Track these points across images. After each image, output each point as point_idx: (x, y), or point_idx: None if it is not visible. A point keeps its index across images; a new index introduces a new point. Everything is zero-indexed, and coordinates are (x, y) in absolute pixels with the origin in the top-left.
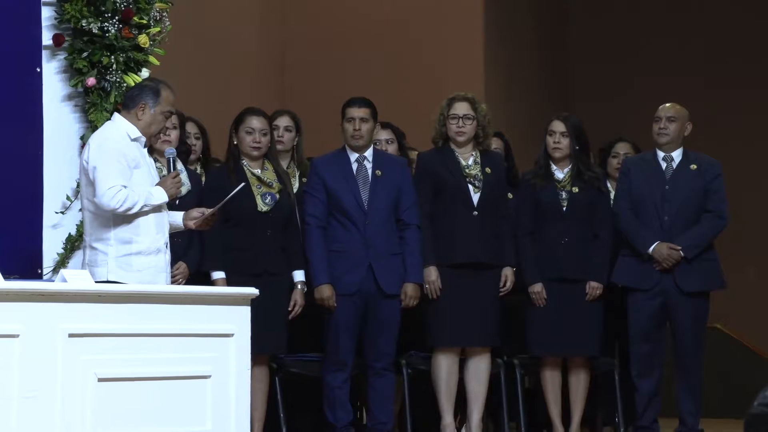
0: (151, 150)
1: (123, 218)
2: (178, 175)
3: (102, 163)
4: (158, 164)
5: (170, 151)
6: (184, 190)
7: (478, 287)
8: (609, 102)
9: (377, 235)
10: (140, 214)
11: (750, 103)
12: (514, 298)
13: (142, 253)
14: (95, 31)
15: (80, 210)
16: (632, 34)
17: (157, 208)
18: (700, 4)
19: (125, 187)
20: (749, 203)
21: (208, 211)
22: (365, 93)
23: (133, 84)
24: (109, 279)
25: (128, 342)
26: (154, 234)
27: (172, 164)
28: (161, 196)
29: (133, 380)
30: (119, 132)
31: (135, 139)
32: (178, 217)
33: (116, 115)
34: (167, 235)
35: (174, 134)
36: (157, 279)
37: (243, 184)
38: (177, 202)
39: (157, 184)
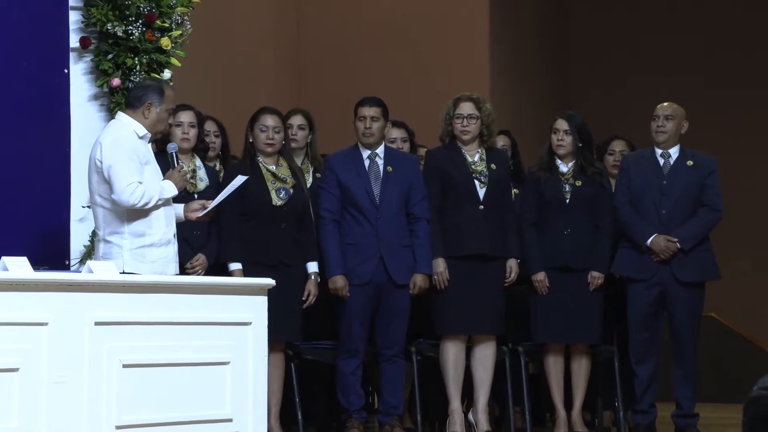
0: (164, 146)
1: (136, 212)
2: (182, 168)
3: (117, 162)
4: (180, 161)
5: (172, 146)
6: (202, 185)
7: (484, 278)
8: (609, 100)
9: (388, 228)
10: (153, 207)
11: (746, 100)
12: (519, 288)
13: (154, 245)
14: (120, 34)
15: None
16: (632, 35)
17: (166, 202)
18: (699, 4)
19: (141, 183)
20: (745, 197)
21: (209, 203)
22: (376, 93)
23: None
24: (125, 270)
25: (151, 330)
26: (164, 226)
27: (175, 159)
28: (172, 190)
29: (156, 366)
30: (127, 130)
31: (141, 137)
32: (179, 209)
33: (121, 114)
34: (175, 227)
35: (192, 132)
36: (167, 269)
37: (245, 177)
38: (196, 196)
39: (164, 178)
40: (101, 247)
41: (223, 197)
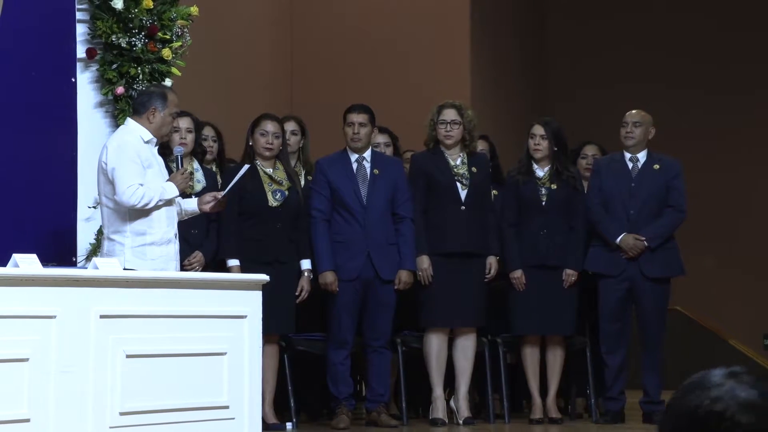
0: (168, 150)
1: (138, 212)
2: (186, 171)
3: (120, 164)
4: (185, 164)
5: (178, 149)
6: (199, 186)
7: (466, 274)
8: (585, 105)
9: (375, 227)
10: (154, 207)
11: (710, 103)
12: (498, 284)
13: (155, 244)
14: (124, 45)
15: (98, 205)
16: (607, 43)
17: (168, 202)
18: (672, 14)
19: (142, 185)
20: (708, 197)
21: (220, 194)
22: (363, 100)
23: None
24: (126, 267)
25: (153, 323)
26: (165, 226)
27: (180, 161)
28: (173, 191)
29: (158, 357)
30: (133, 135)
31: (147, 142)
32: (193, 204)
33: (129, 119)
34: (176, 227)
35: (189, 137)
36: (167, 267)
37: (248, 165)
38: (192, 197)
39: (168, 180)
40: (105, 244)
41: (231, 186)
